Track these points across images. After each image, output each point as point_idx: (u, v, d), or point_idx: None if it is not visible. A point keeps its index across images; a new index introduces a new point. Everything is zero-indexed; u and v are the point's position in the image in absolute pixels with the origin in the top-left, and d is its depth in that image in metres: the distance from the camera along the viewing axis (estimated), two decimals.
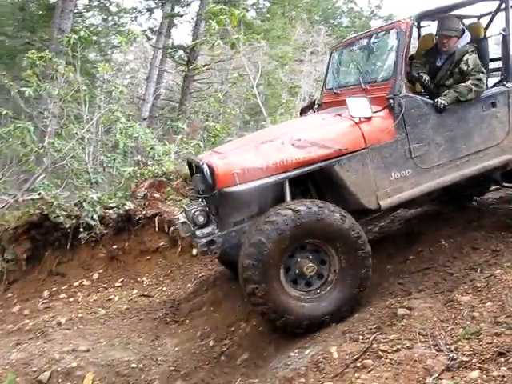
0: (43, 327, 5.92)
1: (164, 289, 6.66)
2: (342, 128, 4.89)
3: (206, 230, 4.78)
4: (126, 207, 7.50)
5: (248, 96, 13.05)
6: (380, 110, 4.89)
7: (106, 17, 19.74)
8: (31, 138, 8.61)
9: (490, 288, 4.08)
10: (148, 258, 7.28)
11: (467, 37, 5.44)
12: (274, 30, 18.42)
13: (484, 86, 5.21)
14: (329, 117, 5.21)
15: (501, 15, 5.56)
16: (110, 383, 4.71)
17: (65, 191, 8.53)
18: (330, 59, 6.23)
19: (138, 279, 7.05)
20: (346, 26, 29.60)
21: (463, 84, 5.16)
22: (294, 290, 4.53)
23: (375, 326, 4.02)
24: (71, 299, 6.86)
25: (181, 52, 19.57)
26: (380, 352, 3.57)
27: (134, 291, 6.76)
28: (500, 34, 5.40)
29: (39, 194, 7.94)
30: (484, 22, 5.90)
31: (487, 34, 5.75)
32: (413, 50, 5.86)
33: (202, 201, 5.24)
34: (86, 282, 7.18)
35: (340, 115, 5.03)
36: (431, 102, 5.05)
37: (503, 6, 5.49)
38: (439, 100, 5.02)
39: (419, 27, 6.34)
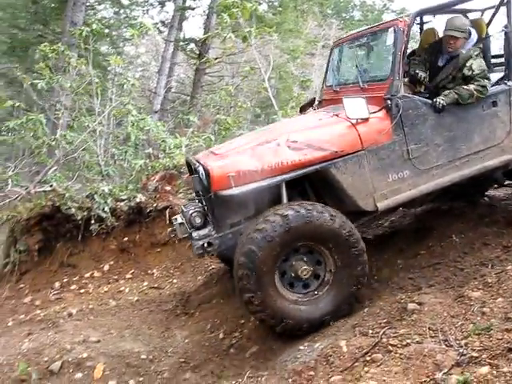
0: (54, 318, 5.97)
1: (174, 281, 6.69)
2: (339, 129, 4.82)
3: (202, 232, 4.77)
4: (137, 200, 7.54)
5: (259, 89, 13.03)
6: (377, 111, 4.82)
7: (117, 10, 19.77)
8: (43, 131, 8.66)
9: (501, 284, 4.07)
10: (158, 250, 7.31)
11: (474, 38, 5.32)
12: (286, 24, 18.37)
13: (487, 93, 5.10)
14: (326, 117, 5.14)
15: (503, 11, 5.44)
16: (120, 374, 4.74)
17: (76, 183, 8.59)
18: (330, 55, 6.14)
19: (149, 271, 7.08)
20: (358, 19, 29.49)
21: (466, 87, 5.05)
22: (290, 294, 4.52)
23: (385, 320, 4.02)
24: (82, 290, 6.91)
25: (192, 45, 19.53)
26: (390, 346, 3.57)
27: (145, 283, 6.79)
28: (502, 30, 5.29)
29: (51, 185, 7.99)
30: (486, 17, 5.79)
31: (490, 30, 5.62)
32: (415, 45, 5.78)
33: (199, 202, 5.24)
34: (96, 274, 7.24)
35: (337, 115, 4.96)
36: (430, 102, 4.97)
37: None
38: (438, 100, 4.93)
39: (422, 23, 6.23)
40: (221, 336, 5.07)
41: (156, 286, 6.66)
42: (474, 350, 3.25)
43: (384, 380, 3.19)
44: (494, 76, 5.42)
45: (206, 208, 4.98)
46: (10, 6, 16.97)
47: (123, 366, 4.82)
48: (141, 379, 4.67)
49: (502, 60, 5.55)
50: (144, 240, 7.44)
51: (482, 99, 5.11)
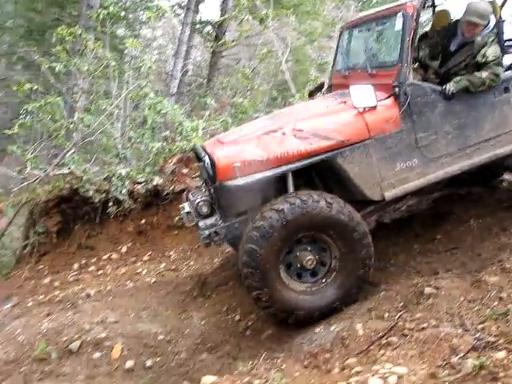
0: (73, 298, 6.05)
1: (191, 263, 6.73)
2: (345, 118, 4.75)
3: (209, 221, 4.77)
4: (155, 182, 7.58)
5: (276, 72, 12.96)
6: (385, 99, 4.75)
7: None
8: (61, 114, 8.69)
9: None
10: (175, 232, 7.35)
11: (492, 25, 5.15)
12: (304, 5, 18.17)
13: (499, 81, 4.99)
14: (333, 104, 5.06)
15: None
16: (137, 354, 4.81)
17: (94, 166, 8.62)
18: (339, 38, 5.99)
19: (166, 253, 7.13)
20: (376, 1, 29.13)
21: (478, 75, 4.93)
22: (298, 285, 4.54)
23: (401, 304, 4.03)
24: (100, 272, 6.99)
25: (209, 28, 19.44)
26: (405, 330, 3.59)
27: (162, 265, 6.85)
28: None
29: (69, 168, 8.05)
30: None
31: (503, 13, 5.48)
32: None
33: (207, 190, 5.23)
34: (114, 256, 7.31)
35: (345, 102, 4.87)
36: (439, 89, 4.87)
37: None
38: (448, 87, 4.83)
39: (434, 5, 6.05)
40: (237, 318, 5.11)
41: (173, 268, 6.71)
42: (491, 334, 3.25)
43: (400, 363, 3.20)
44: (508, 59, 5.32)
45: (212, 197, 4.96)
46: None
47: (141, 347, 4.89)
48: (158, 359, 4.74)
49: None
50: (161, 222, 7.49)
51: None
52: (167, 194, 7.48)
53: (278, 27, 13.67)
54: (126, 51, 13.72)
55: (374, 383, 3.02)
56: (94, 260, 7.31)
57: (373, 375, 3.11)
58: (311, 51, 18.71)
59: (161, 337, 5.03)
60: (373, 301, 4.34)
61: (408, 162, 4.81)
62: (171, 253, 7.09)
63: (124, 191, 7.40)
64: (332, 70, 6.12)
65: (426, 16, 7.42)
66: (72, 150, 8.76)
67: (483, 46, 5.02)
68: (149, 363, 4.68)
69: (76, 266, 7.26)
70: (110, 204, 7.39)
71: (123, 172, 7.58)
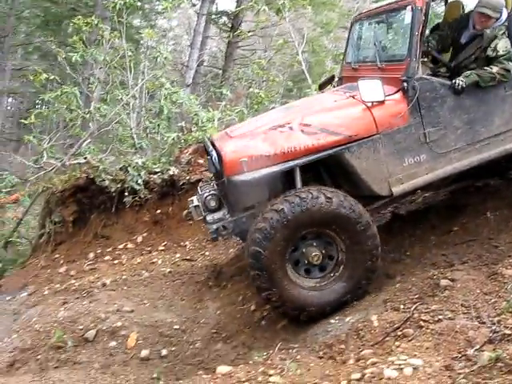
0: (89, 288, 6.10)
1: (206, 253, 6.74)
2: (353, 113, 4.71)
3: (217, 215, 4.78)
4: (170, 172, 7.59)
5: (292, 63, 12.93)
6: (393, 93, 4.70)
7: None
8: (77, 104, 8.74)
9: None
10: (191, 222, 7.34)
11: (503, 18, 5.04)
12: None
13: (510, 77, 4.89)
14: (342, 98, 5.01)
15: None
16: (153, 343, 4.85)
17: (110, 156, 8.67)
18: (350, 30, 5.93)
19: (181, 243, 7.15)
20: None
21: (489, 70, 4.84)
22: (307, 281, 4.51)
23: (417, 296, 4.01)
24: (116, 261, 7.03)
25: (225, 18, 19.41)
26: (421, 322, 3.57)
27: (177, 255, 6.87)
28: None
29: (85, 158, 8.10)
30: None
31: None
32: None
33: (215, 184, 5.22)
34: (130, 245, 7.34)
35: (353, 97, 4.81)
36: (448, 83, 4.80)
37: None
38: (457, 81, 4.74)
39: None
40: (252, 308, 5.11)
41: (188, 257, 6.73)
42: (507, 327, 3.22)
43: (415, 355, 3.19)
44: None
45: (220, 191, 4.95)
46: None
47: (156, 336, 4.93)
48: (173, 349, 4.77)
49: None
50: (177, 212, 7.50)
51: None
52: (183, 184, 7.49)
53: (294, 18, 13.63)
54: (141, 41, 13.78)
55: (389, 374, 3.01)
56: (109, 249, 7.35)
57: (388, 366, 3.11)
58: (327, 42, 18.66)
59: (176, 326, 5.06)
60: (388, 292, 4.33)
61: (416, 157, 4.75)
62: (186, 243, 7.10)
63: (140, 181, 7.42)
64: (342, 63, 6.08)
65: (442, 8, 7.34)
66: (88, 140, 8.83)
67: (493, 39, 4.94)
68: (164, 352, 4.72)
69: (92, 255, 7.30)
70: (126, 194, 7.42)
71: (139, 162, 7.61)
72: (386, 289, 4.47)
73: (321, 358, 3.70)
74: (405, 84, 4.66)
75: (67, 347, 4.84)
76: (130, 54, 9.24)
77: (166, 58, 9.42)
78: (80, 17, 9.43)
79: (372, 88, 4.52)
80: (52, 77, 9.18)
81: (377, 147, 4.63)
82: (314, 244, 4.49)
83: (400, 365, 3.09)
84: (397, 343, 3.44)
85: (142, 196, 7.46)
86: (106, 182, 7.44)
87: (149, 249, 7.19)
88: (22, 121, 8.85)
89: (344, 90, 5.27)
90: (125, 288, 5.95)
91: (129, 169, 7.52)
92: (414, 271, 4.69)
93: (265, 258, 4.29)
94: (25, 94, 24.23)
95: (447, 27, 5.44)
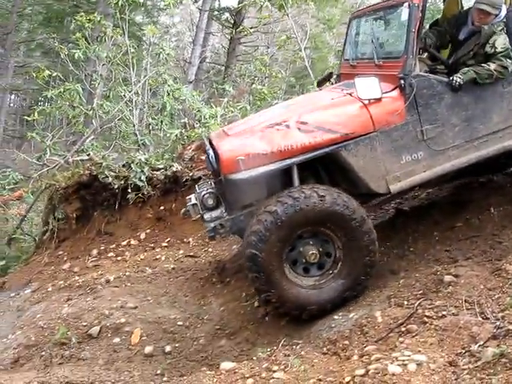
0: (92, 284, 6.08)
1: (210, 250, 6.74)
2: (350, 111, 4.68)
3: (214, 214, 4.77)
4: (174, 169, 7.58)
5: (294, 59, 12.91)
6: (390, 91, 4.67)
7: None
8: (80, 100, 8.77)
9: None
10: (194, 219, 7.36)
11: (502, 15, 5.02)
12: None
13: (508, 74, 4.85)
14: (339, 95, 4.97)
15: None
16: (156, 339, 4.84)
17: (113, 153, 8.68)
18: (348, 27, 5.91)
19: (185, 240, 7.15)
20: None
21: (486, 67, 4.80)
22: (306, 280, 4.50)
23: (420, 292, 4.01)
24: (119, 258, 7.03)
25: (227, 14, 19.41)
26: (425, 318, 3.57)
27: (181, 251, 6.86)
28: None
29: (88, 155, 8.12)
30: None
31: None
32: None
33: (212, 182, 5.22)
34: (133, 242, 7.34)
35: (350, 94, 4.78)
36: (445, 80, 4.77)
37: None
38: (455, 78, 4.70)
39: None
40: (256, 304, 5.10)
41: (192, 254, 6.72)
42: (511, 323, 3.22)
43: (419, 351, 3.19)
44: None
45: (218, 189, 4.94)
46: None
47: (160, 332, 4.93)
48: (177, 345, 4.77)
49: None
50: (180, 209, 7.43)
51: None
52: (186, 180, 7.48)
53: (297, 14, 13.61)
54: (144, 38, 13.77)
55: (393, 370, 3.01)
56: (113, 246, 7.35)
57: (392, 362, 3.11)
58: (330, 38, 18.65)
59: (180, 322, 5.07)
60: (392, 288, 4.32)
61: (414, 154, 4.72)
62: (190, 239, 7.10)
63: (143, 178, 7.42)
64: (341, 60, 6.06)
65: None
66: (91, 137, 8.84)
67: (491, 36, 4.90)
68: (168, 348, 4.71)
69: (95, 251, 7.30)
70: (129, 190, 7.41)
71: (142, 158, 7.61)
72: (390, 285, 4.47)
73: (325, 354, 3.70)
74: (402, 81, 4.63)
75: (71, 343, 4.84)
76: (132, 50, 9.26)
77: (168, 54, 9.43)
78: (82, 14, 9.45)
79: (369, 85, 4.50)
80: (55, 74, 9.21)
81: (374, 145, 4.61)
82: (311, 242, 4.47)
83: (404, 361, 3.09)
84: (401, 339, 3.44)
85: (145, 192, 7.45)
86: (109, 179, 7.44)
87: (152, 245, 7.19)
88: (25, 118, 8.87)
89: (341, 88, 5.24)
90: (128, 284, 5.95)
91: (132, 165, 7.52)
92: (418, 267, 4.68)
93: (262, 260, 4.28)
94: (27, 91, 24.26)
95: (446, 23, 5.43)
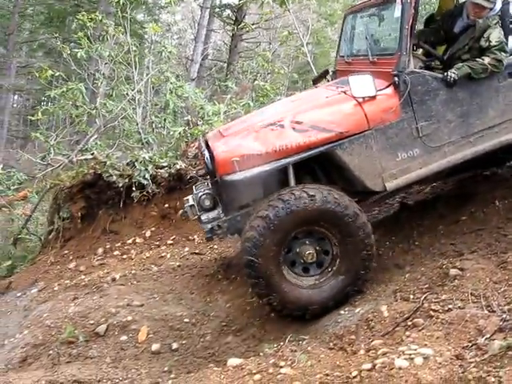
0: (99, 283, 6.11)
1: (215, 247, 6.75)
2: (344, 109, 4.67)
3: (211, 215, 4.77)
4: (178, 166, 7.58)
5: (297, 55, 12.90)
6: (385, 88, 4.65)
7: None
8: (83, 100, 8.76)
9: None
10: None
11: (497, 8, 4.99)
12: None
13: (502, 68, 4.84)
14: (333, 94, 4.96)
15: None
16: (163, 337, 4.86)
17: (116, 151, 8.68)
18: (343, 24, 5.89)
19: (190, 237, 7.15)
20: None
21: (480, 61, 4.78)
22: (306, 280, 4.51)
23: (426, 285, 4.02)
24: (124, 256, 7.04)
25: (228, 11, 19.40)
26: (431, 311, 3.57)
27: (186, 249, 6.87)
28: None
29: (92, 154, 8.12)
30: None
31: None
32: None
33: (209, 183, 5.22)
34: (138, 240, 7.35)
35: (345, 92, 4.77)
36: (440, 76, 4.75)
37: None
38: (449, 73, 4.69)
39: None
40: None
41: (197, 251, 6.73)
42: None
43: (425, 344, 3.20)
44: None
45: (215, 190, 4.94)
46: None
47: (166, 329, 4.95)
48: (184, 342, 4.78)
49: None
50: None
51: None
52: (190, 178, 7.48)
53: (298, 10, 13.58)
54: (146, 36, 13.77)
55: (399, 364, 3.01)
56: (118, 244, 7.36)
57: (398, 356, 3.11)
58: (332, 33, 18.61)
59: (186, 320, 5.08)
60: (398, 283, 4.33)
61: (409, 151, 4.71)
62: (195, 236, 7.11)
63: (147, 176, 7.43)
64: (336, 56, 6.04)
65: None
66: (95, 136, 8.85)
67: (486, 29, 4.88)
68: (175, 346, 4.73)
69: (101, 250, 7.32)
70: (134, 189, 7.41)
71: (146, 156, 7.61)
72: (396, 279, 4.47)
73: (331, 349, 3.71)
74: (396, 78, 4.61)
75: (78, 342, 4.86)
76: (134, 49, 9.24)
77: (170, 52, 9.42)
78: (84, 13, 9.44)
79: (363, 83, 4.48)
80: (57, 73, 9.21)
81: (369, 143, 4.60)
82: (307, 242, 4.48)
83: (410, 354, 3.08)
84: (407, 333, 3.45)
85: (150, 191, 7.46)
86: (114, 178, 7.44)
87: (157, 243, 7.21)
88: (29, 118, 8.88)
89: (336, 85, 5.23)
90: (134, 282, 5.97)
91: (136, 164, 7.52)
92: (423, 261, 4.69)
93: (259, 266, 4.29)
94: (30, 92, 24.30)
95: (440, 18, 5.42)
